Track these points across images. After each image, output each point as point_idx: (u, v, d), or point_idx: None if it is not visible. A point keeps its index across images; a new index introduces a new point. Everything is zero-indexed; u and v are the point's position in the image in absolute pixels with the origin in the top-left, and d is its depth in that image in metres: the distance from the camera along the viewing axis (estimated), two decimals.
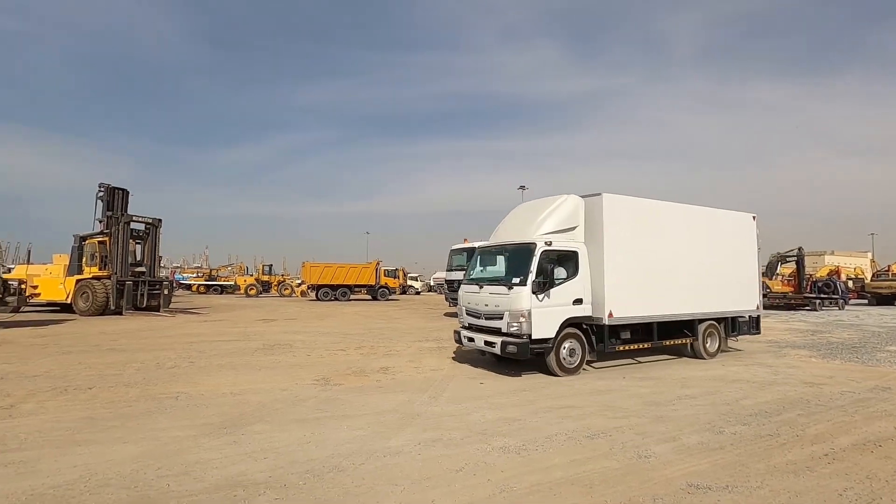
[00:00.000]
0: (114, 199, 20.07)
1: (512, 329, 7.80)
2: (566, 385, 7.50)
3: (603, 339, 8.43)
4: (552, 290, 7.90)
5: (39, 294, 19.51)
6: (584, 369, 8.50)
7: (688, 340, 9.73)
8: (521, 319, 7.69)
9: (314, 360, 9.40)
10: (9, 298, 15.11)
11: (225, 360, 9.26)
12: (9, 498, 3.47)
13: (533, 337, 7.68)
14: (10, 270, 19.15)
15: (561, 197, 8.69)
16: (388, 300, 35.26)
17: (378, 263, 35.64)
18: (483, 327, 8.47)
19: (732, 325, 10.52)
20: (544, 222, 8.37)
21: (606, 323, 8.22)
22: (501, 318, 7.98)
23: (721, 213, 10.40)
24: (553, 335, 7.88)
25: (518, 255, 8.24)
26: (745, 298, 10.57)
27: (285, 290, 41.95)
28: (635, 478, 3.97)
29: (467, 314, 8.91)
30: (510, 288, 7.89)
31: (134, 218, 20.19)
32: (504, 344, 7.78)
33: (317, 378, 7.74)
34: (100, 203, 19.99)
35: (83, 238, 20.15)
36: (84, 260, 19.88)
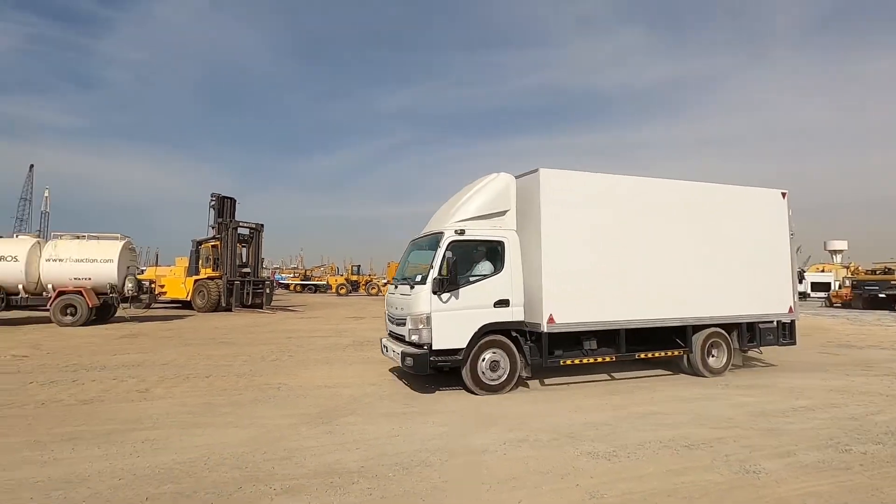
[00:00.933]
0: (223, 206, 22.29)
1: (413, 337, 6.53)
2: (659, 391, 7.07)
3: (546, 351, 6.85)
4: (462, 290, 6.54)
5: (166, 293, 22.19)
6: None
7: (678, 352, 7.84)
8: (420, 325, 6.43)
9: None
10: (142, 296, 17.39)
11: (320, 356, 9.90)
12: (148, 469, 4.00)
13: (434, 347, 6.38)
14: (142, 272, 21.96)
15: (489, 176, 7.24)
16: None
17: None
18: (396, 334, 7.28)
19: (750, 334, 8.35)
20: (463, 206, 6.94)
21: (545, 330, 6.71)
22: (405, 324, 6.76)
23: (731, 191, 8.33)
24: (464, 345, 6.50)
25: (429, 248, 6.88)
26: (768, 299, 8.39)
27: (372, 289, 43.84)
28: (742, 494, 3.64)
29: (388, 319, 7.75)
30: (412, 287, 6.75)
31: (240, 224, 22.26)
32: (403, 355, 6.52)
33: (402, 374, 8.01)
34: (212, 211, 22.32)
35: (199, 242, 22.62)
36: (200, 262, 22.28)
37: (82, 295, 14.94)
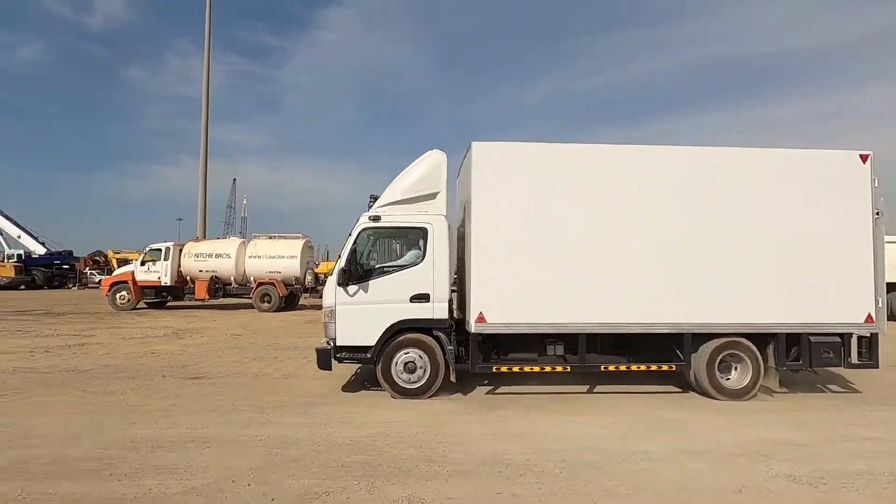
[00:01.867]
0: None
1: (324, 331, 6.32)
2: (875, 411, 5.83)
3: (474, 354, 5.99)
4: (373, 282, 6.03)
5: None
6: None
7: (669, 367, 6.15)
8: (327, 319, 6.16)
9: None
10: (319, 288, 19.95)
11: None
12: (340, 438, 4.60)
13: (338, 343, 6.02)
14: (317, 265, 25.22)
15: (423, 155, 6.45)
16: None
17: None
18: None
19: (798, 350, 6.12)
20: (390, 189, 6.42)
21: (473, 330, 5.85)
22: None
23: (770, 156, 6.17)
24: (373, 343, 5.95)
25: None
26: (828, 303, 6.04)
27: None
28: None
29: None
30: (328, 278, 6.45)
31: None
32: (316, 351, 6.29)
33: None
34: None
35: None
36: None
37: (275, 286, 17.77)
